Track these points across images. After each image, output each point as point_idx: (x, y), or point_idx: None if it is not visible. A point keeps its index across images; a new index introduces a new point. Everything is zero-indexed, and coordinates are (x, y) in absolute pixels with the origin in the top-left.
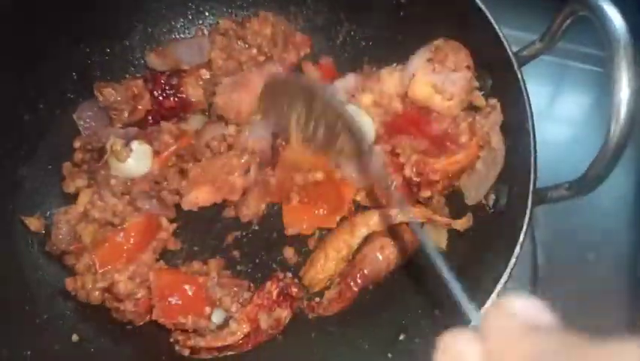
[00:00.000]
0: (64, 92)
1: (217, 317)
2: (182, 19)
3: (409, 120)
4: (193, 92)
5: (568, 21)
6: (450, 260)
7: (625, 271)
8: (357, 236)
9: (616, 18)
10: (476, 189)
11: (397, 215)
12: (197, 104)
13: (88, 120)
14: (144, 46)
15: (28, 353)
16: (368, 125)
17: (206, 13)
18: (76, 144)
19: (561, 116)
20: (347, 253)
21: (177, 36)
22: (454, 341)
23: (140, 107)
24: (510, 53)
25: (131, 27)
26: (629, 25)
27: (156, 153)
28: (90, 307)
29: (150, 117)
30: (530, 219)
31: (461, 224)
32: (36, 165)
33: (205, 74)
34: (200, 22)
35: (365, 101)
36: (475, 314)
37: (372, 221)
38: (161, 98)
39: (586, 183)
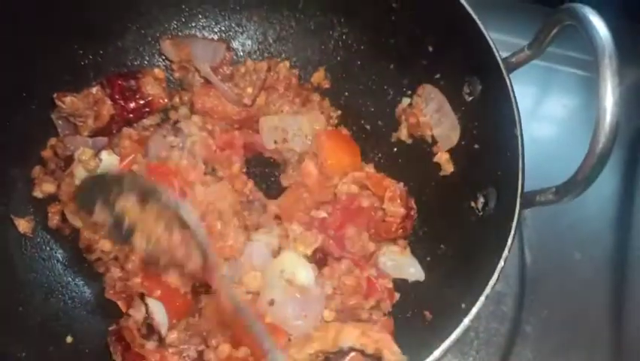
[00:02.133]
0: None
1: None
2: (175, 22)
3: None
4: (152, 91)
5: (555, 30)
6: (439, 262)
7: (611, 271)
8: None
9: (601, 28)
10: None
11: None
12: (160, 103)
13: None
14: (137, 47)
15: (23, 354)
16: (308, 273)
17: (199, 16)
18: (49, 145)
19: (548, 119)
20: None
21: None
22: None
23: (104, 112)
24: (499, 59)
25: (124, 28)
26: (613, 35)
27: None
28: (84, 308)
29: (117, 122)
30: (518, 222)
31: None
32: (28, 166)
33: (160, 74)
34: (193, 24)
35: None
36: None
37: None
38: (122, 101)
39: (572, 188)
